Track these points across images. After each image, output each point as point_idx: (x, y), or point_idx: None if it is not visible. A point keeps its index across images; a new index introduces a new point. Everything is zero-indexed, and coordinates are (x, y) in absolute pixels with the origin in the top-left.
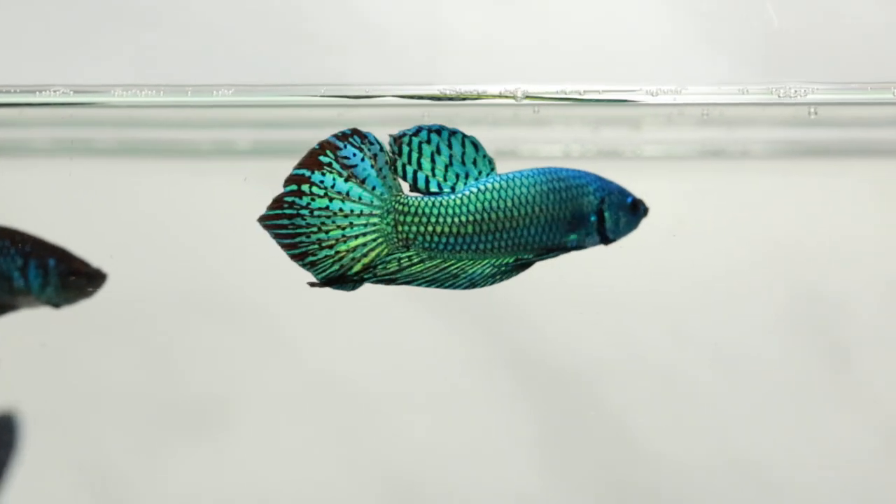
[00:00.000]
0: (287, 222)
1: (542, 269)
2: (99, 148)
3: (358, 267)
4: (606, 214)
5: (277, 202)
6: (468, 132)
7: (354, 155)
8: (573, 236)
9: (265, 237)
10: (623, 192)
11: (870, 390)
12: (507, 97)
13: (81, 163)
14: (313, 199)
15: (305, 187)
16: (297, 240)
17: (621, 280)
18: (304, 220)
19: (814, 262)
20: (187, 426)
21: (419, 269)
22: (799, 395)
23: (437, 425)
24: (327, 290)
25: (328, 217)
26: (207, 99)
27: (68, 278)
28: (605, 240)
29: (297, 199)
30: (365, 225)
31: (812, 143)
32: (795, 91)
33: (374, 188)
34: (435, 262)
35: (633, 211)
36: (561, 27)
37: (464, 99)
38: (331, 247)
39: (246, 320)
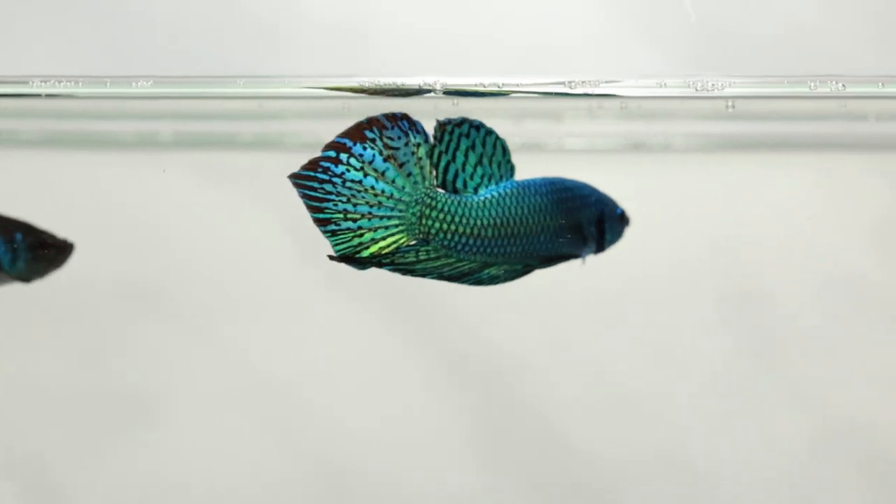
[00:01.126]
0: (317, 185)
1: None
2: (18, 139)
3: (374, 248)
4: (606, 226)
5: (312, 164)
6: None
7: (399, 138)
8: (577, 246)
9: (190, 227)
10: (614, 204)
11: (801, 386)
12: (427, 90)
13: (0, 154)
14: (348, 170)
15: (344, 156)
16: (324, 205)
17: (547, 275)
18: (335, 187)
19: (738, 253)
20: (119, 420)
21: (435, 265)
22: (727, 390)
23: (370, 419)
24: (261, 282)
25: (358, 191)
26: (126, 90)
27: (39, 251)
28: (599, 249)
29: (332, 166)
30: (392, 209)
31: (731, 137)
32: (713, 85)
33: (409, 174)
34: (450, 261)
35: (621, 222)
36: (488, 21)
37: (384, 92)
38: (354, 220)
39: (175, 312)
